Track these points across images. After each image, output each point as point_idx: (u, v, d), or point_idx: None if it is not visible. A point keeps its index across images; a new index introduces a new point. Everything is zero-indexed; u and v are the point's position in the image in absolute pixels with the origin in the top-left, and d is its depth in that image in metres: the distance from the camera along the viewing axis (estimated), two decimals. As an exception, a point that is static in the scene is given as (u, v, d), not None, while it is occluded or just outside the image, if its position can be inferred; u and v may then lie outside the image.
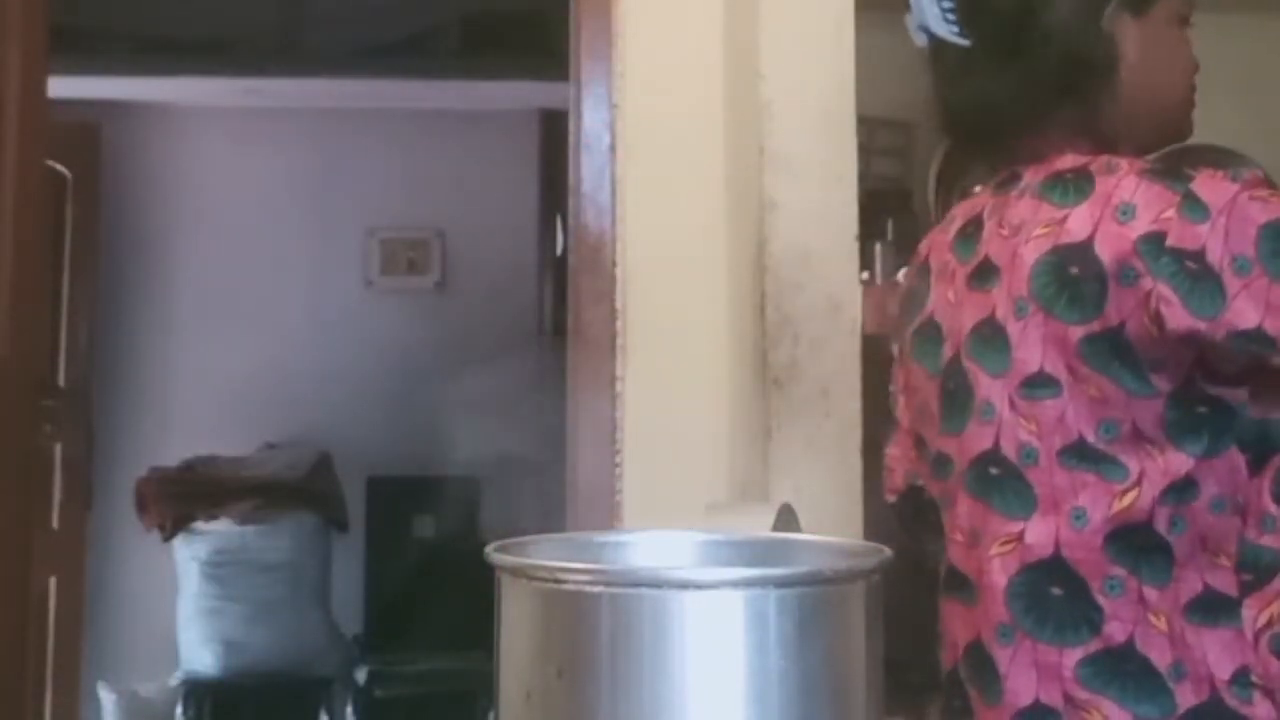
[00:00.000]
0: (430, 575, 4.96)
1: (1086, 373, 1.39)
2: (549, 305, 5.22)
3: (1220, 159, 2.26)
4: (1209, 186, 1.37)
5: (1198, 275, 1.33)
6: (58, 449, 4.91)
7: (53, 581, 4.82)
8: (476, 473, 5.23)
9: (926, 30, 1.56)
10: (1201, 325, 1.33)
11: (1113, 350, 1.37)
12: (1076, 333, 1.39)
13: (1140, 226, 1.37)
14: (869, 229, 2.06)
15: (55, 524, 4.90)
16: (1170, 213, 1.36)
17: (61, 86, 2.98)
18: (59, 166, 4.79)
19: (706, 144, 2.33)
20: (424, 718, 4.78)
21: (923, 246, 1.67)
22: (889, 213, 2.21)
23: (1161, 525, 1.37)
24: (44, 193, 2.87)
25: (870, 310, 2.00)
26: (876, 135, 2.30)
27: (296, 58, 4.92)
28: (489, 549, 0.72)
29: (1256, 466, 1.38)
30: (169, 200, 5.42)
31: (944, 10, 1.55)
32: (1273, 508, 1.37)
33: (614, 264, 2.36)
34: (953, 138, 1.82)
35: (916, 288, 1.62)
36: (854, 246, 2.02)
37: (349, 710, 4.86)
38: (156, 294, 5.38)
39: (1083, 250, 1.39)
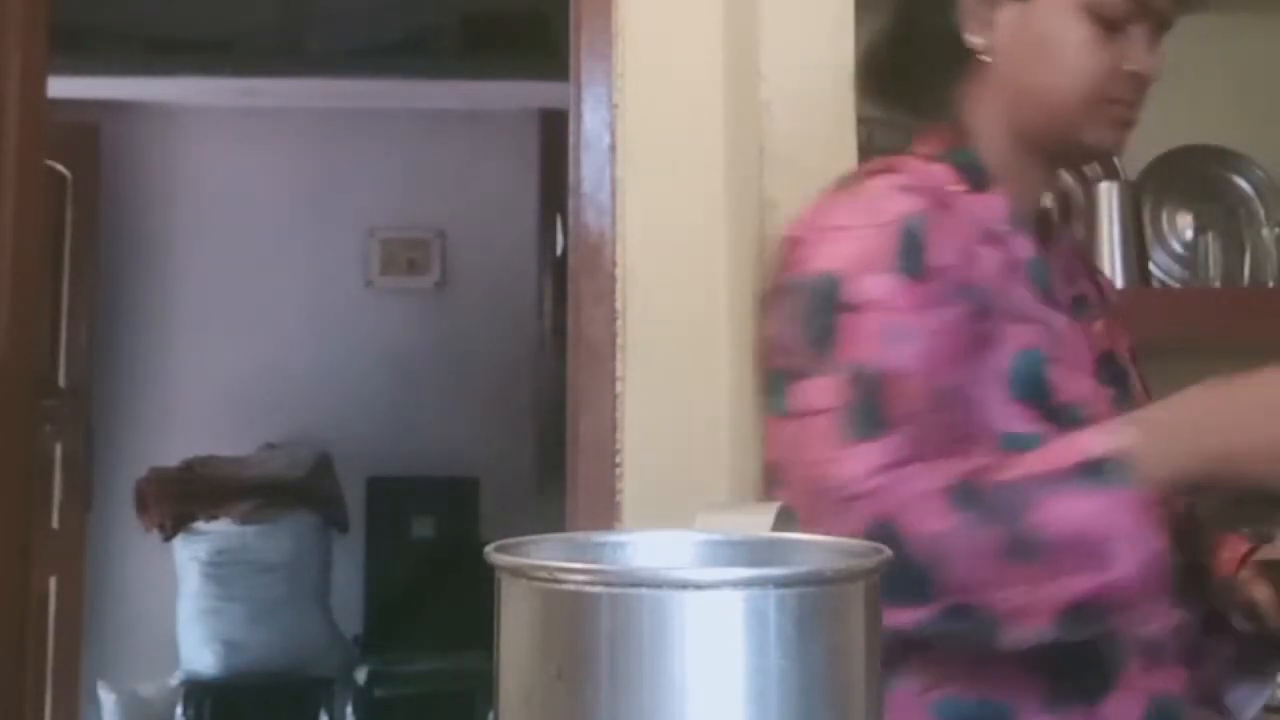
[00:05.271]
0: (430, 575, 4.97)
1: None
2: (549, 305, 5.23)
3: (1220, 159, 2.26)
4: (823, 204, 1.36)
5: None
6: (58, 449, 4.92)
7: (53, 581, 4.83)
8: (476, 473, 5.24)
9: None
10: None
11: None
12: None
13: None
14: (869, 229, 2.06)
15: (55, 524, 4.91)
16: (805, 214, 1.37)
17: (61, 86, 2.98)
18: (59, 166, 4.79)
19: (706, 144, 2.33)
20: (424, 718, 4.79)
21: None
22: (889, 213, 2.20)
23: None
24: (44, 193, 2.87)
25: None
26: (876, 135, 2.30)
27: (296, 58, 4.93)
28: (488, 549, 0.72)
29: None
30: (169, 200, 5.42)
31: None
32: None
33: (614, 264, 2.35)
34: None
35: None
36: (854, 246, 2.01)
37: (349, 710, 4.86)
38: (156, 294, 5.38)
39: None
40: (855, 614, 0.70)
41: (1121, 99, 1.38)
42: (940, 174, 1.38)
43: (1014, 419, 1.29)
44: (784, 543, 0.80)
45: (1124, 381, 1.44)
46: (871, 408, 1.23)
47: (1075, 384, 1.33)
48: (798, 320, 1.29)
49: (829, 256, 1.30)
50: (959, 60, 1.41)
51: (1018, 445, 1.25)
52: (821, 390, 1.26)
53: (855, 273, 1.28)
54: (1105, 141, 1.41)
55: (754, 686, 0.67)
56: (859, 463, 1.21)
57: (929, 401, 1.25)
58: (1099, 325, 1.45)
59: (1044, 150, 1.42)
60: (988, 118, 1.41)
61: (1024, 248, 1.38)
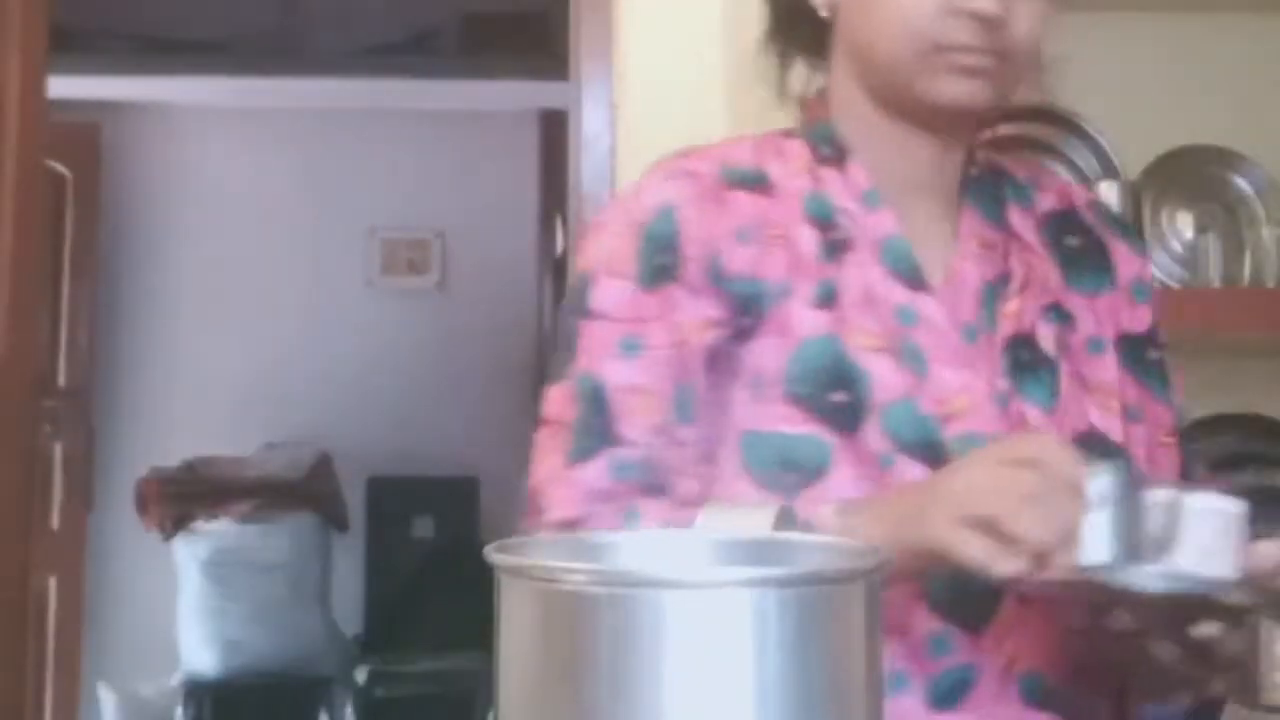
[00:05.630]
0: (430, 575, 4.97)
1: None
2: (549, 305, 5.23)
3: (1220, 159, 2.26)
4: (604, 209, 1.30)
5: None
6: (58, 449, 4.92)
7: (53, 581, 4.83)
8: (476, 473, 5.24)
9: None
10: None
11: None
12: None
13: None
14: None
15: (55, 524, 4.91)
16: None
17: (61, 86, 2.98)
18: (59, 166, 4.79)
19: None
20: (424, 718, 4.78)
21: None
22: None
23: None
24: (44, 193, 2.87)
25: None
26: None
27: (296, 58, 4.93)
28: (488, 549, 0.72)
29: None
30: (169, 200, 5.42)
31: None
32: None
33: (614, 264, 2.36)
34: None
35: None
36: (854, 246, 2.01)
37: (349, 710, 4.86)
38: (156, 294, 5.38)
39: None
40: (855, 614, 0.70)
41: (961, 44, 1.18)
42: (793, 150, 1.29)
43: (773, 418, 1.17)
44: (784, 543, 0.80)
45: (1037, 371, 1.24)
46: (594, 427, 1.16)
47: (925, 378, 1.19)
48: (562, 319, 1.25)
49: (588, 256, 1.25)
50: (811, 24, 1.30)
51: (760, 447, 1.17)
52: (556, 399, 1.20)
53: (599, 275, 1.22)
54: (946, 94, 1.20)
55: (754, 686, 0.67)
56: (572, 488, 1.15)
57: (660, 418, 1.16)
58: (1012, 305, 1.26)
59: (898, 111, 1.25)
60: (843, 84, 1.29)
61: (882, 225, 1.25)
